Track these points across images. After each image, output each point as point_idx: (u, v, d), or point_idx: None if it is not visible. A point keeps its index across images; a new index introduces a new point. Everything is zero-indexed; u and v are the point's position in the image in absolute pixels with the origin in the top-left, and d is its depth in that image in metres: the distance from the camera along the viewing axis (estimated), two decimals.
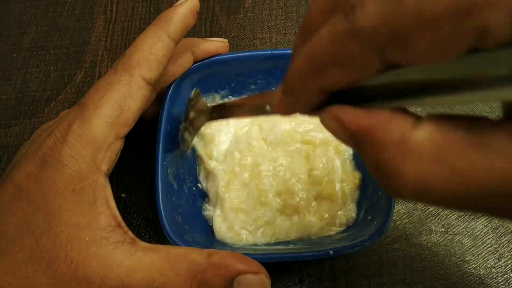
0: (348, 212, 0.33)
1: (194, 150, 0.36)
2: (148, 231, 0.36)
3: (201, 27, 0.44)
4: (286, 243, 0.33)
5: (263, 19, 0.45)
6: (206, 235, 0.33)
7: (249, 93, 0.38)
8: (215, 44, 0.35)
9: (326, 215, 0.33)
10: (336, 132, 0.18)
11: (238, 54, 0.35)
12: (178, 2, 0.30)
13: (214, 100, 0.37)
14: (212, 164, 0.35)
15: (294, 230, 0.33)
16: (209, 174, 0.35)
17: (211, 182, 0.35)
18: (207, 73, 0.36)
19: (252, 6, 0.45)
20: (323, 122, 0.19)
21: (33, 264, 0.24)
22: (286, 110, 0.20)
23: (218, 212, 0.34)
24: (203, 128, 0.36)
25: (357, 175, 0.34)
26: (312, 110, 0.19)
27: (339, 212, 0.33)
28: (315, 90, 0.18)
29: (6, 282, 0.23)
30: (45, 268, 0.24)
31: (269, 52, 0.35)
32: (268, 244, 0.33)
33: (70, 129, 0.26)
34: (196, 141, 0.36)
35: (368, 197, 0.32)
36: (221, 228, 0.33)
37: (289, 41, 0.43)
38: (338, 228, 0.33)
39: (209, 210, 0.35)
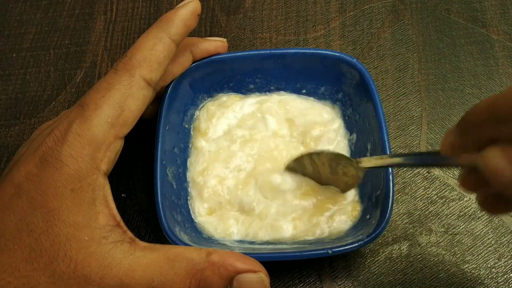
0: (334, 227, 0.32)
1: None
2: (148, 231, 0.36)
3: (201, 27, 0.44)
4: (282, 243, 0.32)
5: (263, 19, 0.45)
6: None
7: (248, 92, 0.38)
8: (214, 44, 0.35)
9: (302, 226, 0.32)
10: (503, 171, 0.18)
11: (237, 54, 0.35)
12: (180, 4, 0.30)
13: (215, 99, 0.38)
14: (200, 143, 0.35)
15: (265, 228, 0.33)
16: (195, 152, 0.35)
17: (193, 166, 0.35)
18: (206, 73, 0.36)
19: (252, 6, 0.45)
20: (486, 160, 0.19)
21: (32, 263, 0.24)
22: (454, 144, 0.21)
23: (198, 204, 0.34)
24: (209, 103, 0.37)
25: (357, 207, 0.33)
26: (473, 149, 0.20)
27: (324, 225, 0.32)
28: (486, 136, 0.19)
29: (5, 281, 0.23)
30: (44, 267, 0.24)
31: (268, 51, 0.35)
32: (263, 243, 0.32)
33: (70, 128, 0.26)
34: (201, 114, 0.36)
35: (367, 195, 0.32)
36: (208, 220, 0.33)
37: (289, 41, 0.43)
38: (316, 237, 0.32)
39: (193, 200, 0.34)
